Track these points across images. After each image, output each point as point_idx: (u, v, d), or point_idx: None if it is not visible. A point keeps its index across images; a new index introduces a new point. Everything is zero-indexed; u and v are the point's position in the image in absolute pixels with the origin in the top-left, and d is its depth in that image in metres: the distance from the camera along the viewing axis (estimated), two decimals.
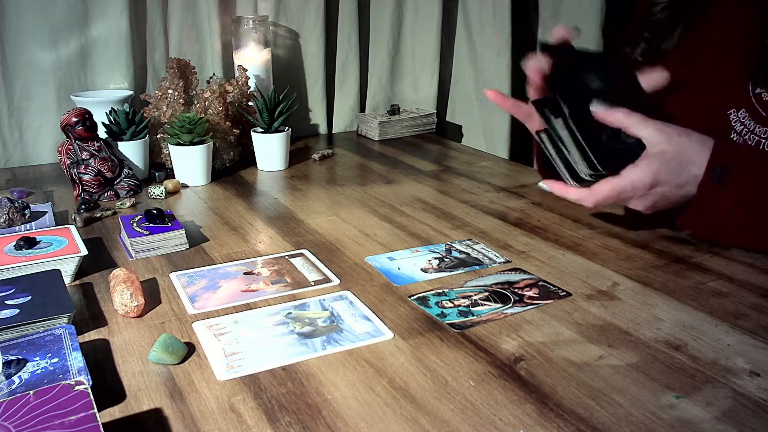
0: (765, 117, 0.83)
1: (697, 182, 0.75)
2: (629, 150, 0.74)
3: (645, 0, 0.95)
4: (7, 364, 0.54)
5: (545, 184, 0.82)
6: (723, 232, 0.77)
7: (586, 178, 0.76)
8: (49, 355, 0.55)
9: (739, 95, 0.85)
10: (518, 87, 1.56)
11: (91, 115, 1.05)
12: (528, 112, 0.85)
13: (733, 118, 0.85)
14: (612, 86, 0.79)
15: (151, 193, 1.05)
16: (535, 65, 0.79)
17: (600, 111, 0.76)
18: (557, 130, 0.76)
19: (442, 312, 0.67)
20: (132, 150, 1.11)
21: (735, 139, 0.86)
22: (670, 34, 0.92)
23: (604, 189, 0.75)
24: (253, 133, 1.22)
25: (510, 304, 0.68)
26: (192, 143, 1.10)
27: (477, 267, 0.78)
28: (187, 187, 1.12)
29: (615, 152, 0.75)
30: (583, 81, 0.79)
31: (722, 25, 0.88)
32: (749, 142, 0.84)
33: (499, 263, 0.79)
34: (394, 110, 1.53)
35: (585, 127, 0.76)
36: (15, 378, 0.53)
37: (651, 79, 0.80)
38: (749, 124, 0.83)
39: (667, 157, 0.74)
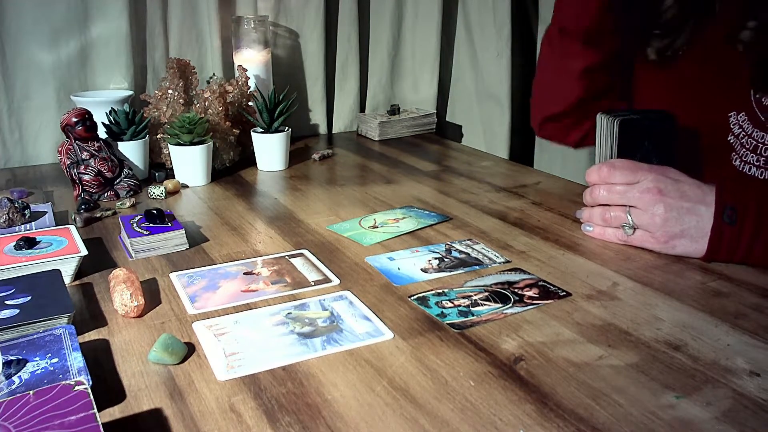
0: (763, 122, 0.83)
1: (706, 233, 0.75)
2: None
3: None
4: (7, 364, 0.54)
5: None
6: (750, 262, 0.77)
7: None
8: (49, 355, 0.55)
9: (740, 98, 0.85)
10: (518, 87, 1.56)
11: (91, 116, 1.05)
12: None
13: (732, 121, 0.85)
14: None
15: (151, 193, 1.05)
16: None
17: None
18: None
19: (442, 312, 0.67)
20: (132, 150, 1.11)
21: (732, 141, 0.87)
22: (681, 32, 0.92)
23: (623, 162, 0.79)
24: (253, 133, 1.22)
25: (510, 304, 0.68)
26: (192, 143, 1.10)
27: (477, 267, 0.78)
28: (187, 187, 1.12)
29: None
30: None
31: (726, 26, 0.88)
32: (746, 146, 0.84)
33: (499, 263, 0.79)
34: (394, 110, 1.53)
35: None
36: (15, 378, 0.53)
37: None
38: (747, 127, 0.83)
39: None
